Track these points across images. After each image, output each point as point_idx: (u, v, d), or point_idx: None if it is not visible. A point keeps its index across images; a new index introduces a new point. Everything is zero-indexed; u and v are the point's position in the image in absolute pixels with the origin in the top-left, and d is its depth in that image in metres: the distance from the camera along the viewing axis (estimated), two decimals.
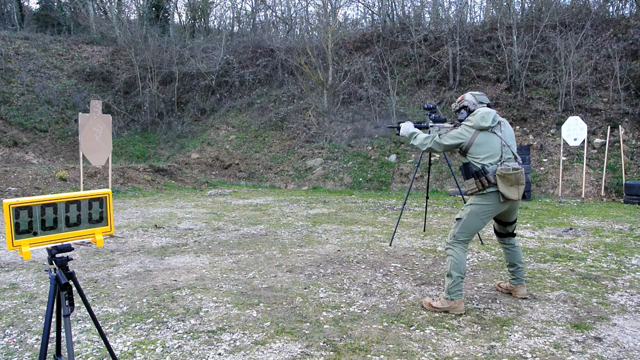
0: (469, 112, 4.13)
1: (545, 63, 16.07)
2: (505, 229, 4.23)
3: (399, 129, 4.69)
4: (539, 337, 3.40)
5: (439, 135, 4.14)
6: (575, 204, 10.92)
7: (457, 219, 4.03)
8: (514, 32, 16.73)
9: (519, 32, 16.90)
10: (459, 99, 4.26)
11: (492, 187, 3.83)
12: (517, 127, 14.97)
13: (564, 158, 13.00)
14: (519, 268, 4.22)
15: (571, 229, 7.56)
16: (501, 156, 3.87)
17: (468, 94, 4.22)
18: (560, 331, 3.51)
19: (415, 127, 4.55)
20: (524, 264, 4.51)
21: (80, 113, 7.91)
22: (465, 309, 3.93)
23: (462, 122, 4.05)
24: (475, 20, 22.63)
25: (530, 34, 16.67)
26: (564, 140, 11.73)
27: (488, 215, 3.96)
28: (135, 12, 30.11)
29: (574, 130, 11.37)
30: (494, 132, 3.91)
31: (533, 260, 5.63)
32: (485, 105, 4.13)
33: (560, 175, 12.14)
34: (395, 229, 6.78)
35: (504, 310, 3.94)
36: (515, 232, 4.27)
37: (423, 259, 5.73)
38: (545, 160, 13.79)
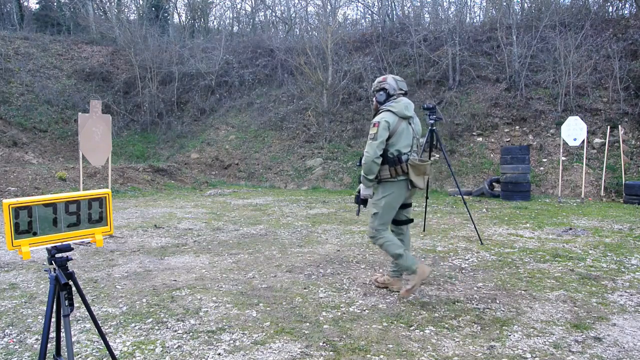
0: (388, 95, 4.19)
1: (544, 63, 16.07)
2: (402, 215, 4.33)
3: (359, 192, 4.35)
4: (538, 337, 3.40)
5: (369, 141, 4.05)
6: (574, 204, 10.92)
7: (373, 214, 4.15)
8: (513, 32, 16.73)
9: (518, 32, 16.90)
10: (381, 79, 4.28)
11: (403, 176, 4.03)
12: (517, 127, 14.97)
13: (563, 158, 13.01)
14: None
15: (571, 229, 7.56)
16: (411, 147, 4.10)
17: (390, 76, 4.26)
18: (560, 331, 3.51)
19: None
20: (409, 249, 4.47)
21: (79, 113, 7.91)
22: (465, 308, 3.93)
23: (384, 109, 4.11)
24: (474, 20, 22.67)
25: (530, 34, 16.67)
26: (563, 140, 11.73)
27: (399, 203, 4.17)
28: (135, 12, 30.14)
29: (574, 130, 11.37)
30: (410, 124, 4.11)
31: (533, 260, 5.63)
32: (404, 92, 4.24)
33: (560, 175, 12.14)
34: None
35: (503, 310, 3.94)
36: (410, 217, 4.41)
37: (423, 259, 5.73)
38: (544, 160, 13.79)
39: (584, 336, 3.42)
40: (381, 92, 4.21)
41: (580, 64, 15.11)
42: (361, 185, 4.18)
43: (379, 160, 3.98)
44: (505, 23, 17.87)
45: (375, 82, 4.32)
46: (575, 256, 5.81)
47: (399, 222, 4.36)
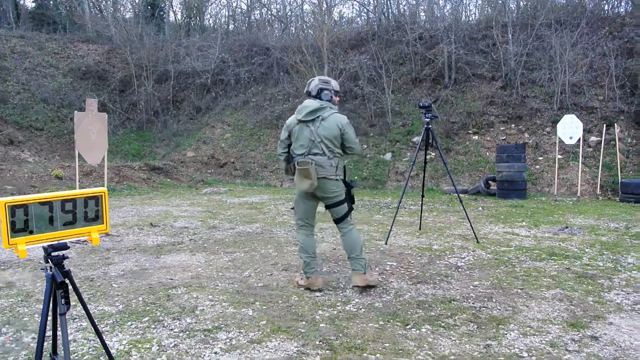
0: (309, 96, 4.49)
1: (540, 61, 16.10)
2: (332, 214, 4.44)
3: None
4: (535, 336, 3.41)
5: None
6: (571, 202, 10.95)
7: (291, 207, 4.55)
8: (509, 30, 16.74)
9: (514, 30, 16.92)
10: (327, 79, 4.52)
11: (292, 176, 4.34)
12: (513, 125, 15.00)
13: (559, 156, 13.04)
14: (351, 257, 4.42)
15: (567, 227, 7.59)
16: (308, 149, 4.23)
17: (317, 79, 4.50)
18: (556, 330, 3.52)
19: None
20: (359, 252, 4.43)
21: (75, 111, 7.88)
22: (461, 307, 3.94)
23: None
24: (470, 19, 22.67)
25: (526, 32, 16.69)
26: (559, 138, 11.76)
27: (303, 200, 4.42)
28: (131, 10, 30.03)
29: (570, 128, 11.40)
30: (308, 126, 4.26)
31: (529, 259, 5.64)
32: (308, 94, 4.46)
33: (556, 173, 12.18)
34: (391, 227, 6.78)
35: (499, 309, 3.95)
36: (343, 217, 4.42)
37: (419, 258, 5.74)
38: (540, 158, 13.83)
39: (581, 335, 3.43)
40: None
41: (576, 62, 15.14)
42: None
43: (281, 157, 4.48)
44: (500, 21, 17.88)
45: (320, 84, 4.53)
46: (572, 255, 5.83)
47: (335, 221, 4.48)
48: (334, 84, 4.48)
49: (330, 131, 4.21)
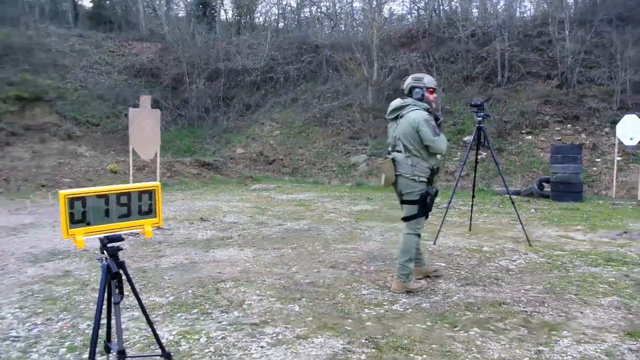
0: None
1: (599, 59, 15.45)
2: None
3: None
4: (589, 344, 3.28)
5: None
6: (630, 207, 10.47)
7: None
8: (566, 27, 16.14)
9: (571, 26, 16.31)
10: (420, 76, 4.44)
11: None
12: (569, 125, 14.47)
13: (618, 158, 12.48)
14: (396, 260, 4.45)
15: (626, 232, 7.25)
16: (393, 146, 4.34)
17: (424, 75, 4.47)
18: (612, 339, 3.37)
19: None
20: (401, 258, 4.31)
21: (130, 108, 8.14)
22: (512, 311, 3.82)
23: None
24: (525, 15, 22.00)
25: (584, 28, 16.05)
26: (619, 139, 11.26)
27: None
28: (183, 9, 30.78)
29: (630, 129, 10.90)
30: (395, 124, 4.35)
31: (584, 264, 5.43)
32: (403, 91, 4.48)
33: (615, 176, 11.66)
34: (440, 227, 6.67)
35: (552, 314, 3.82)
36: (407, 219, 4.34)
37: (468, 259, 5.62)
38: (598, 160, 13.28)
39: (639, 345, 3.27)
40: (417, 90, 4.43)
41: (638, 60, 14.45)
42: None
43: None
44: (557, 17, 17.26)
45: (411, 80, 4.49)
46: (630, 261, 5.57)
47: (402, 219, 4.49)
48: (427, 80, 4.37)
49: (406, 129, 4.20)
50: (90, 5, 32.52)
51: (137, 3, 28.98)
